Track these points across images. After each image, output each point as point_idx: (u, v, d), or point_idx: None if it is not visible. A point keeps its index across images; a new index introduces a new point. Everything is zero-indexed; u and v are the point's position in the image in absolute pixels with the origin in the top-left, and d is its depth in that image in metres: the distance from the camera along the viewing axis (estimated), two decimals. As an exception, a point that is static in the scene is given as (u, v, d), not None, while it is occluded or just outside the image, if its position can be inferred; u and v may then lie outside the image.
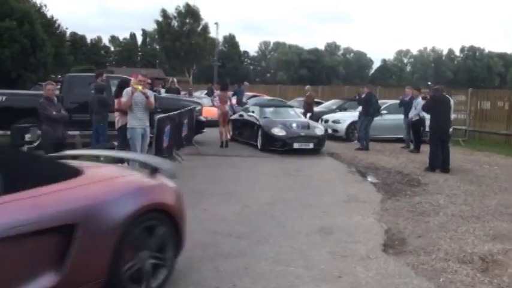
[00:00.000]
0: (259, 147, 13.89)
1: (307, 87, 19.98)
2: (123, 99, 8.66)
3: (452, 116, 16.32)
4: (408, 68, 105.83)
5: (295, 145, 13.39)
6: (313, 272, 5.00)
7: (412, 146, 14.61)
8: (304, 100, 18.90)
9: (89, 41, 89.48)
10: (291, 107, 16.92)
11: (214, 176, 10.20)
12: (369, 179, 10.59)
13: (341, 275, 4.93)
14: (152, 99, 8.98)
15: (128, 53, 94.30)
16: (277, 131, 13.51)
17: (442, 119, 11.08)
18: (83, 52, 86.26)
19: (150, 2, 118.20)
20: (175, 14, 61.59)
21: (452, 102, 12.22)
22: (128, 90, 8.71)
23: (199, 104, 15.18)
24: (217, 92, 14.49)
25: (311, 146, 13.55)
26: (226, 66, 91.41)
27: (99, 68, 49.48)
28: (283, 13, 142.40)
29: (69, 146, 11.23)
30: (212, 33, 60.65)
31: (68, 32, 79.91)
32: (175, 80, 18.77)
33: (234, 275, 4.87)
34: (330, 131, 17.30)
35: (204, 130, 15.03)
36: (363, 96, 14.83)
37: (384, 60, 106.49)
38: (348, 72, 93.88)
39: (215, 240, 5.94)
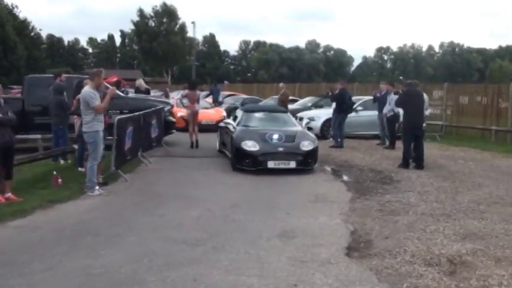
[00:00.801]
0: (230, 164, 11.09)
1: (281, 84, 19.60)
2: (97, 103, 8.13)
3: (428, 111, 16.21)
4: (388, 65, 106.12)
5: (270, 164, 10.33)
6: (267, 281, 4.62)
7: (387, 143, 14.33)
8: (279, 98, 18.50)
9: (66, 43, 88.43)
10: (285, 111, 13.50)
11: (179, 179, 9.79)
12: (339, 177, 10.25)
13: (297, 283, 4.56)
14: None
15: (106, 54, 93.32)
16: (250, 145, 10.48)
17: (415, 114, 10.79)
18: (60, 55, 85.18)
19: (128, 2, 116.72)
20: (152, 14, 60.88)
21: (426, 97, 11.91)
22: (94, 92, 8.17)
23: (168, 104, 14.72)
24: (185, 92, 14.01)
25: (292, 165, 10.41)
26: (207, 66, 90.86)
27: (75, 71, 48.79)
28: (263, 12, 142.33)
29: (30, 150, 10.81)
30: (190, 33, 59.90)
31: (45, 35, 79.31)
32: (141, 81, 18.17)
33: (180, 287, 4.47)
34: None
35: (173, 131, 14.58)
36: (336, 92, 14.51)
37: (364, 58, 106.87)
38: (328, 70, 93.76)
39: (167, 249, 5.53)
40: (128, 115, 10.45)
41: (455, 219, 6.77)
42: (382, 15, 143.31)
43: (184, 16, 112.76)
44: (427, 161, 11.56)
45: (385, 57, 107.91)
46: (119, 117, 9.50)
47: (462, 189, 8.76)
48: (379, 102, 14.54)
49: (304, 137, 11.21)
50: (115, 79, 25.28)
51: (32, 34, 52.27)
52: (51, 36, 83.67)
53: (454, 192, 8.52)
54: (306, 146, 10.75)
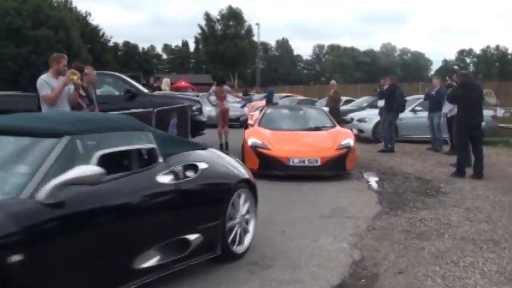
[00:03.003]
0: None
1: (333, 82, 17.72)
2: (46, 92, 6.92)
3: (501, 111, 13.97)
4: (471, 68, 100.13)
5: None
6: None
7: (443, 147, 12.31)
8: (330, 96, 16.73)
9: (141, 49, 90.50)
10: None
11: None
12: (374, 186, 8.49)
13: None
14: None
15: (180, 60, 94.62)
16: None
17: (472, 110, 8.82)
18: (135, 61, 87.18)
19: (204, 8, 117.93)
20: (218, 17, 60.44)
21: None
22: (46, 80, 6.96)
23: (197, 102, 13.42)
24: (213, 88, 12.59)
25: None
26: (279, 70, 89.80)
27: (146, 75, 49.18)
28: (333, 16, 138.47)
29: None
30: (256, 37, 58.81)
31: (121, 42, 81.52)
32: (168, 80, 17.10)
33: None
34: (355, 131, 15.17)
35: (204, 132, 13.28)
36: (385, 88, 12.64)
37: (445, 61, 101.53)
38: (405, 73, 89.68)
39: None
40: (130, 110, 9.26)
41: (505, 248, 4.92)
42: (463, 16, 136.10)
43: (256, 20, 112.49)
44: (491, 169, 9.55)
45: (468, 60, 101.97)
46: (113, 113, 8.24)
47: (526, 207, 6.78)
48: (433, 100, 12.50)
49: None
50: (182, 83, 24.62)
51: (102, 40, 53.36)
52: (127, 43, 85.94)
53: (514, 210, 6.58)
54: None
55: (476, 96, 8.91)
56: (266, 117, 10.72)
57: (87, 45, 44.55)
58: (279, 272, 4.35)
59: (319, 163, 8.82)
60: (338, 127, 10.47)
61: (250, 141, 9.22)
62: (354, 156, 9.45)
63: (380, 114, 12.98)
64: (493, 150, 12.64)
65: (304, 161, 8.83)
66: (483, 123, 9.38)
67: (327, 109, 15.16)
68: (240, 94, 20.16)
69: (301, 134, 9.80)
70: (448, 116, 11.96)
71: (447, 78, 13.05)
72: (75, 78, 6.97)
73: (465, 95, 8.86)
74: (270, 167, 8.85)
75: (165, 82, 16.44)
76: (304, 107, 13.23)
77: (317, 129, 10.07)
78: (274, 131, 9.80)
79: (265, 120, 10.50)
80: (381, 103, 12.87)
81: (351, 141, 9.33)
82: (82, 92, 8.24)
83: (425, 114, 13.67)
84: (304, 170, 8.85)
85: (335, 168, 8.96)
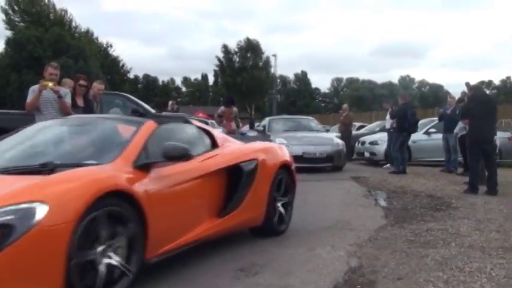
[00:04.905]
0: None
1: (345, 106, 17.51)
2: (28, 98, 6.89)
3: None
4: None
5: None
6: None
7: (458, 169, 11.89)
8: (341, 120, 16.48)
9: (160, 82, 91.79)
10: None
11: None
12: (382, 203, 8.11)
13: None
14: (68, 99, 7.14)
15: (199, 93, 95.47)
16: None
17: (484, 123, 8.45)
18: (155, 94, 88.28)
19: (221, 42, 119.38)
20: (236, 49, 61.06)
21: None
22: (34, 88, 6.95)
23: (206, 123, 13.18)
24: (221, 109, 12.26)
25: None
26: (297, 103, 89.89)
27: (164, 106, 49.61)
28: (351, 50, 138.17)
29: None
30: (273, 68, 59.15)
31: (141, 74, 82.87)
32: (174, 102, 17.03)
33: None
34: (367, 154, 14.85)
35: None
36: (396, 108, 12.33)
37: (464, 93, 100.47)
38: (424, 105, 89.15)
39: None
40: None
41: (516, 256, 4.53)
42: (481, 48, 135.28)
43: (278, 54, 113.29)
44: (506, 186, 9.12)
45: (487, 92, 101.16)
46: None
47: (542, 219, 6.35)
48: (448, 120, 12.13)
49: None
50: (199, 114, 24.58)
51: (122, 71, 54.26)
52: (146, 76, 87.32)
53: (529, 222, 6.16)
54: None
55: (488, 110, 8.55)
56: None
57: (107, 76, 45.23)
58: (267, 277, 4.03)
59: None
60: None
61: None
62: None
63: (389, 135, 12.63)
64: (510, 172, 12.17)
65: None
66: (496, 140, 9.01)
67: (338, 134, 14.99)
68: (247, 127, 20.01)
69: None
70: (459, 135, 11.59)
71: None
72: (49, 85, 6.87)
73: (476, 108, 8.52)
74: None
75: (171, 104, 16.32)
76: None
77: None
78: None
79: None
80: (388, 124, 12.54)
81: None
82: (80, 103, 8.15)
83: (439, 136, 13.28)
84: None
85: None
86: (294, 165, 5.97)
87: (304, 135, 13.28)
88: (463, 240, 5.17)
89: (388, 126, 12.76)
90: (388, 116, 12.93)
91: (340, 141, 13.06)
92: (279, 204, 5.51)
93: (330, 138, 13.31)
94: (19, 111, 14.07)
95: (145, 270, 3.79)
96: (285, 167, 5.66)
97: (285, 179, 5.65)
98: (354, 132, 17.05)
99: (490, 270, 4.08)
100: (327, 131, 21.04)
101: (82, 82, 8.16)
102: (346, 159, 13.29)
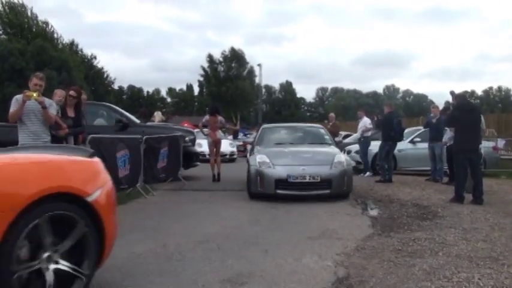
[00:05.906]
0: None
1: (331, 114, 17.57)
2: (11, 108, 6.80)
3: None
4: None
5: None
6: None
7: (442, 178, 11.96)
8: (328, 129, 16.45)
9: (145, 93, 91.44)
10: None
11: (168, 212, 8.04)
12: (370, 212, 8.09)
13: None
14: (53, 110, 7.05)
15: (184, 103, 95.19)
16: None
17: (469, 133, 8.49)
18: (140, 104, 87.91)
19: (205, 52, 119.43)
20: (221, 59, 61.13)
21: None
22: (17, 97, 6.86)
23: (191, 133, 13.15)
24: (206, 117, 12.19)
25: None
26: (282, 113, 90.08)
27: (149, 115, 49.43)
28: (335, 60, 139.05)
29: None
30: (258, 78, 59.30)
31: (126, 86, 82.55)
32: (159, 113, 16.93)
33: None
34: (353, 163, 14.85)
35: (198, 163, 12.98)
36: (381, 118, 12.38)
37: (447, 102, 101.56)
38: (408, 114, 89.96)
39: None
40: (119, 136, 9.03)
41: (504, 265, 4.51)
42: (463, 59, 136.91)
43: (258, 63, 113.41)
44: (491, 196, 9.19)
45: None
46: (92, 136, 7.98)
47: (528, 228, 6.37)
48: (433, 129, 12.20)
49: None
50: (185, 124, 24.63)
51: (106, 82, 53.99)
52: (131, 87, 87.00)
53: (515, 231, 6.17)
54: None
55: (473, 118, 8.59)
56: None
57: (91, 87, 44.91)
58: (254, 287, 3.97)
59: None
60: None
61: None
62: None
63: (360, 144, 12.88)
64: (495, 181, 12.26)
65: None
66: (482, 150, 9.04)
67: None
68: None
69: None
70: (448, 144, 11.63)
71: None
72: (34, 95, 6.78)
73: (462, 117, 8.56)
74: None
75: (158, 115, 16.20)
76: None
77: None
78: None
79: None
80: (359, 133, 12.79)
81: None
82: (71, 113, 8.11)
83: (424, 145, 13.34)
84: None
85: None
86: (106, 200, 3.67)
87: (297, 150, 10.20)
88: (450, 249, 5.15)
89: (358, 135, 13.01)
90: (359, 125, 13.18)
91: (344, 160, 9.65)
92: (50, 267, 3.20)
93: (331, 154, 9.67)
94: (2, 123, 13.91)
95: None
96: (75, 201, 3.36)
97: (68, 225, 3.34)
98: (339, 141, 17.02)
99: (478, 280, 4.05)
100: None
101: (72, 93, 8.17)
102: (351, 183, 9.64)
